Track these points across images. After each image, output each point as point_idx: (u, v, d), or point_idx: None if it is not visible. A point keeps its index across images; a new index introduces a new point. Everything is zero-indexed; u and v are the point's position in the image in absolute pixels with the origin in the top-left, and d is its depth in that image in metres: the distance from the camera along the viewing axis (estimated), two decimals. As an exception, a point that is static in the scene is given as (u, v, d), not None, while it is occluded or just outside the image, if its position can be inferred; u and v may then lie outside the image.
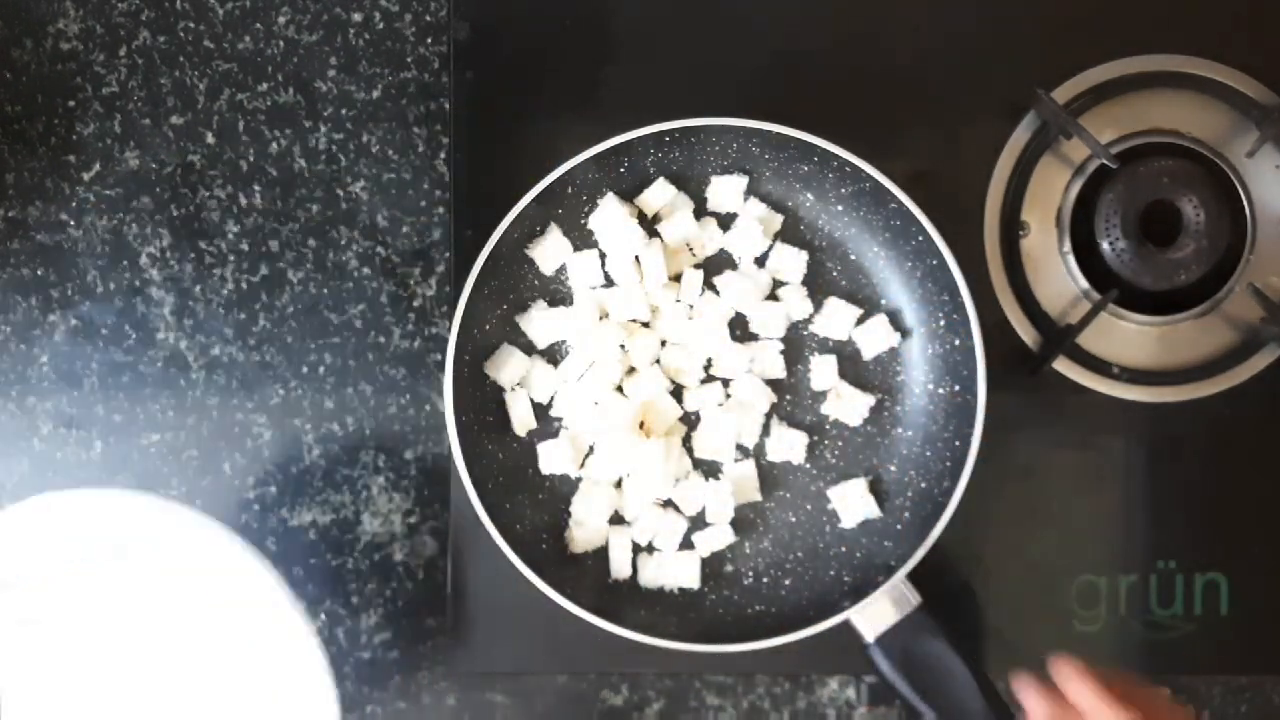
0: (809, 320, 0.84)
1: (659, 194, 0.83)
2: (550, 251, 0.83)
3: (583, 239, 0.84)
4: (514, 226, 0.80)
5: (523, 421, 0.83)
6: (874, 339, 0.83)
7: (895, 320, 0.84)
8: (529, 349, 0.84)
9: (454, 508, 0.85)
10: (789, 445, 0.84)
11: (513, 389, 0.83)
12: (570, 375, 0.83)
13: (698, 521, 0.84)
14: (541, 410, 0.84)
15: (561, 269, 0.84)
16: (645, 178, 0.83)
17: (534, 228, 0.83)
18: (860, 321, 0.84)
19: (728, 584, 0.84)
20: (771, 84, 0.86)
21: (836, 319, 0.84)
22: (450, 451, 0.80)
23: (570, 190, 0.82)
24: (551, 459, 0.83)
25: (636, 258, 0.82)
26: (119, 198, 0.88)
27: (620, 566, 0.83)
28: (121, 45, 0.88)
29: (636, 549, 0.83)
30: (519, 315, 0.84)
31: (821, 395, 0.84)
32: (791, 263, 0.83)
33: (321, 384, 0.87)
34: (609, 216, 0.82)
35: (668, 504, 0.84)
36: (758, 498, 0.84)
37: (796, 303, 0.84)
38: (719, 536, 0.83)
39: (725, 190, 0.83)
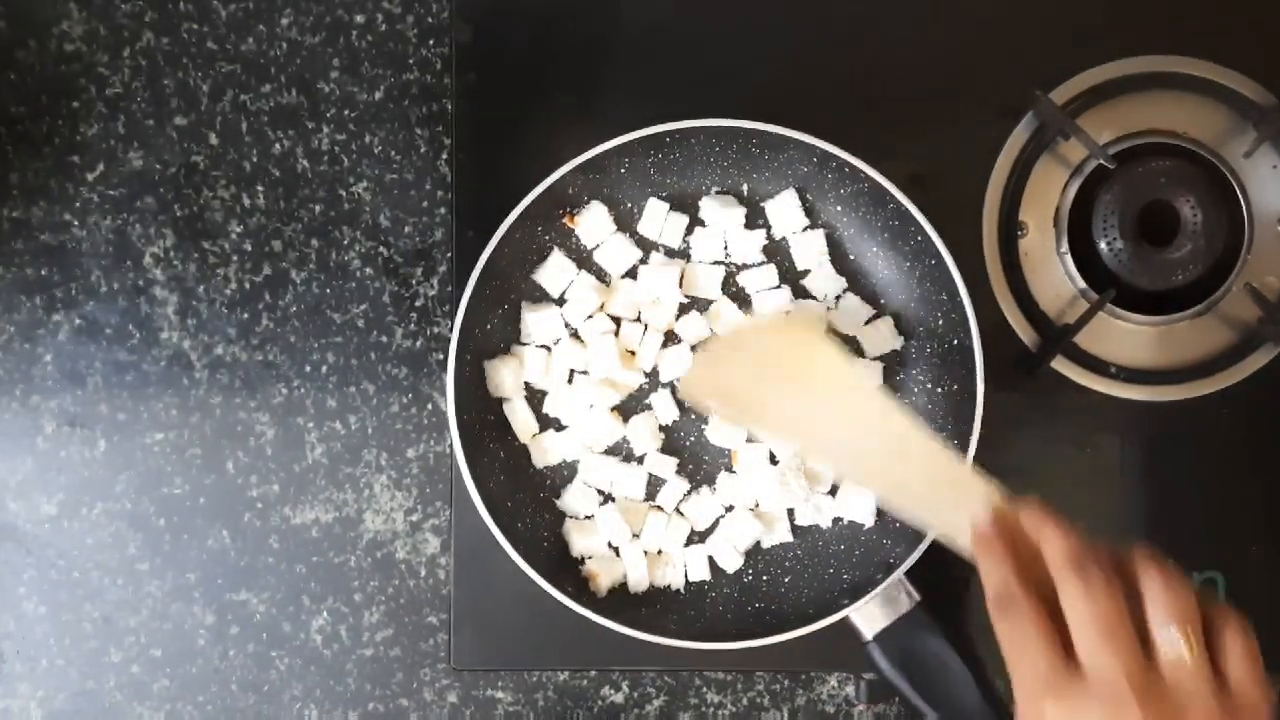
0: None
1: (654, 215, 0.84)
2: (550, 262, 0.84)
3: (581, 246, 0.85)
4: (515, 227, 0.80)
5: (525, 428, 0.84)
6: (879, 339, 0.84)
7: (898, 321, 0.84)
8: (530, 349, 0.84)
9: (456, 505, 0.85)
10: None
11: (511, 399, 0.84)
12: (577, 388, 0.84)
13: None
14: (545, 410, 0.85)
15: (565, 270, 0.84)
16: (646, 178, 0.84)
17: (535, 227, 0.83)
18: (869, 321, 0.84)
19: (728, 581, 0.84)
20: (771, 85, 0.87)
21: (848, 315, 0.84)
22: (452, 450, 0.81)
23: (571, 191, 0.82)
24: (545, 453, 0.84)
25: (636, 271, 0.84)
26: (123, 198, 0.88)
27: (638, 580, 0.83)
28: (125, 46, 0.88)
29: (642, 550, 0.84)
30: (520, 315, 0.84)
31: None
32: (817, 246, 0.84)
33: (324, 383, 0.88)
34: (597, 223, 0.83)
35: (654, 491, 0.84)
36: (789, 537, 0.84)
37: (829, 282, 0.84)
38: (731, 559, 0.84)
39: (714, 207, 0.84)
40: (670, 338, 0.84)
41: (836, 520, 0.84)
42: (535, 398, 0.84)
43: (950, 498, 0.62)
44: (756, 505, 0.84)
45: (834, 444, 0.65)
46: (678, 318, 0.84)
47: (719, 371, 0.69)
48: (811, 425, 0.65)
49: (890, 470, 0.64)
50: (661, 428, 0.84)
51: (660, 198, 0.84)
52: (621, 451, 0.85)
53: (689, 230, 0.84)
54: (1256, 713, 0.55)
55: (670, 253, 0.84)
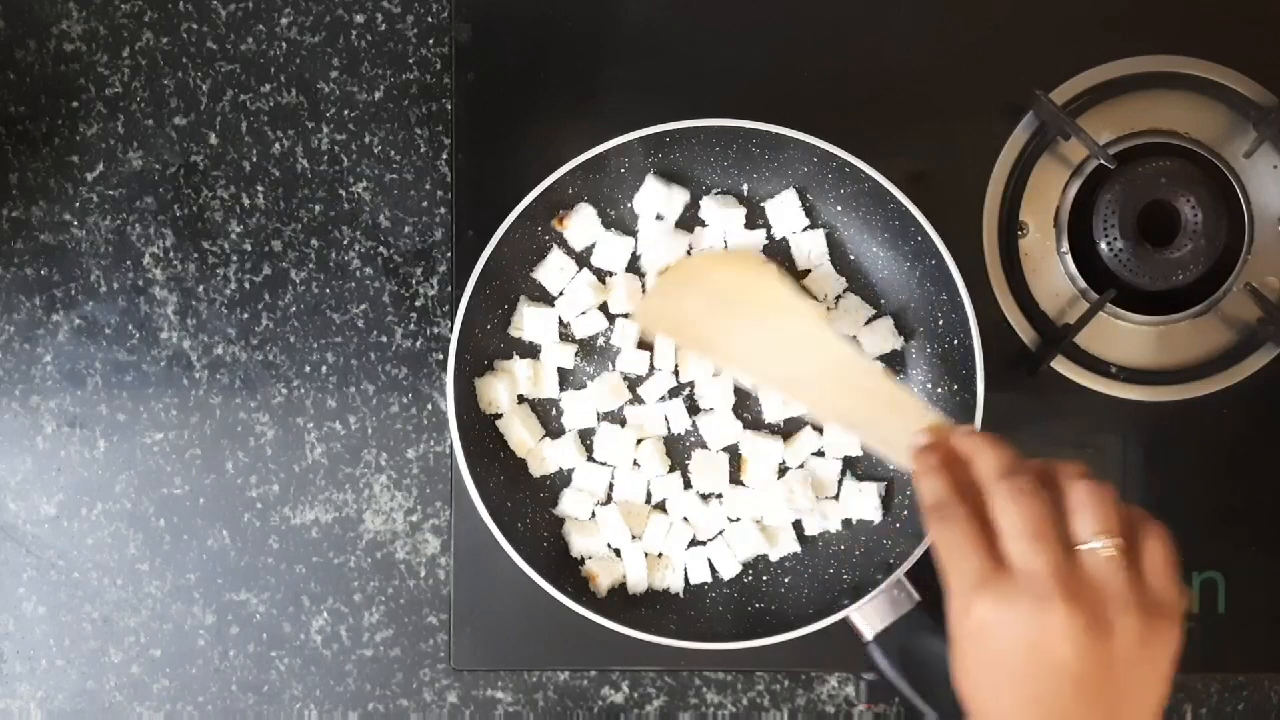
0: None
1: (650, 195, 0.83)
2: (550, 260, 0.84)
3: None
4: (515, 227, 0.80)
5: (521, 443, 0.83)
6: (878, 340, 0.84)
7: (898, 321, 0.84)
8: (528, 350, 0.84)
9: (456, 506, 0.85)
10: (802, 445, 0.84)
11: (505, 414, 0.83)
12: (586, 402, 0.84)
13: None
14: (546, 409, 0.84)
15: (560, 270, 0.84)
16: (645, 178, 0.83)
17: (535, 227, 0.83)
18: (869, 321, 0.84)
19: (728, 582, 0.84)
20: (771, 85, 0.87)
21: (848, 316, 0.84)
22: (452, 450, 0.81)
23: (571, 191, 0.82)
24: (543, 462, 0.84)
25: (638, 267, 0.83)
26: (122, 198, 0.88)
27: (637, 581, 0.83)
28: (124, 46, 0.88)
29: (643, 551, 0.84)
30: (519, 315, 0.84)
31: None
32: (816, 246, 0.84)
33: (324, 383, 0.88)
34: (588, 223, 0.83)
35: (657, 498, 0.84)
36: (796, 548, 0.84)
37: (829, 283, 0.84)
38: (730, 566, 0.84)
39: (713, 208, 0.84)
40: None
41: (845, 522, 0.84)
42: (535, 405, 0.84)
43: (892, 420, 0.65)
44: (761, 519, 0.84)
45: (782, 373, 0.67)
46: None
47: (671, 303, 0.71)
48: (760, 355, 0.68)
49: (835, 395, 0.67)
50: (666, 439, 0.84)
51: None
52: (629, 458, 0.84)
53: (689, 230, 0.84)
54: (1171, 610, 0.59)
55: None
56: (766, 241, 0.84)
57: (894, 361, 0.84)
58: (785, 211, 0.83)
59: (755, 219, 0.84)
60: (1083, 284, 0.85)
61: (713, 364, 0.72)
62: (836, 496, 0.84)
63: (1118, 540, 0.59)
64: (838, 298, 0.84)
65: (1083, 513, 0.59)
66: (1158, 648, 0.59)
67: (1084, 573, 0.58)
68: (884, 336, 0.83)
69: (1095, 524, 0.59)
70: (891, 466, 0.84)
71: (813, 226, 0.84)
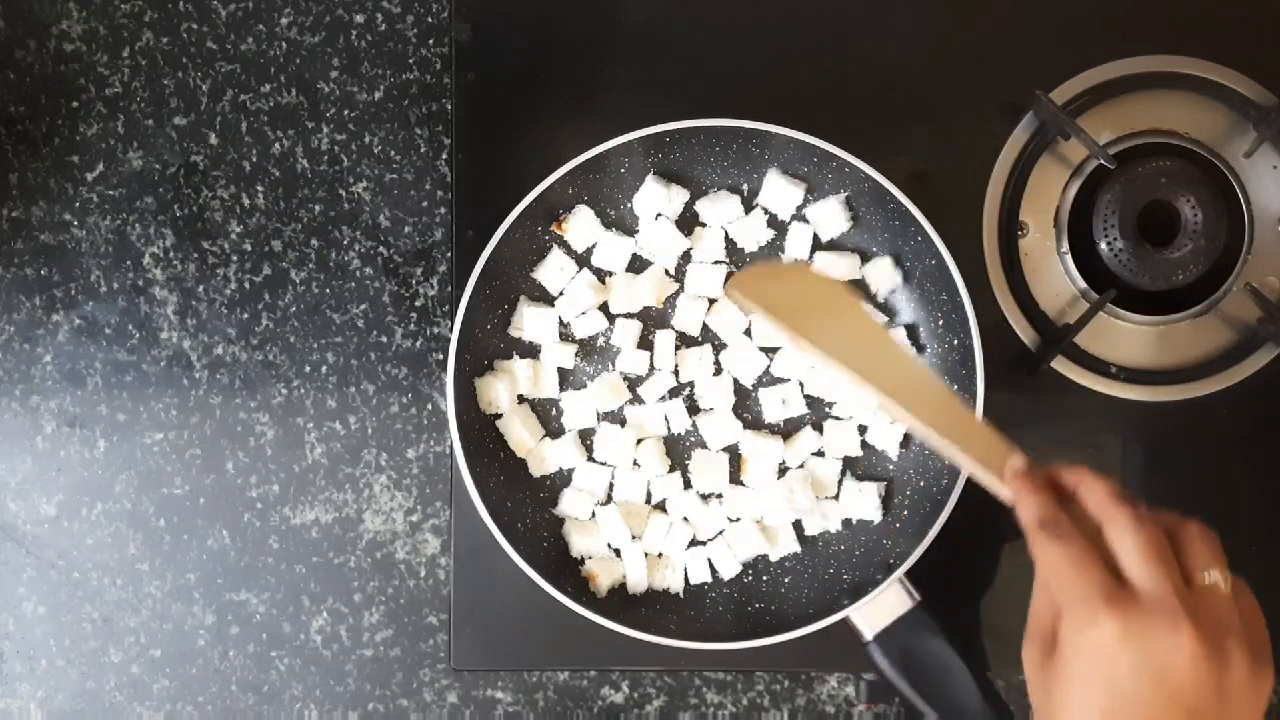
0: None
1: (650, 195, 0.83)
2: (550, 260, 0.83)
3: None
4: (515, 227, 0.80)
5: (521, 443, 0.83)
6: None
7: (891, 315, 0.84)
8: (528, 350, 0.84)
9: (456, 506, 0.85)
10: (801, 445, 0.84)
11: (505, 414, 0.83)
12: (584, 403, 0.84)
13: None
14: (546, 409, 0.84)
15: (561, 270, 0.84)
16: (645, 178, 0.83)
17: (535, 227, 0.83)
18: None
19: (728, 582, 0.84)
20: (771, 84, 0.87)
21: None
22: (452, 450, 0.81)
23: (570, 191, 0.82)
24: (543, 462, 0.84)
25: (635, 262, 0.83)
26: (122, 198, 0.88)
27: (637, 581, 0.83)
28: (125, 46, 0.88)
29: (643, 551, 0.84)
30: (519, 315, 0.84)
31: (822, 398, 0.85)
32: (834, 220, 0.83)
33: (324, 383, 0.88)
34: (585, 223, 0.83)
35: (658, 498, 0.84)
36: (796, 548, 0.84)
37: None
38: (730, 566, 0.84)
39: (715, 205, 0.83)
40: (658, 320, 0.84)
41: (845, 522, 0.84)
42: (535, 405, 0.84)
43: (978, 451, 0.65)
44: (761, 519, 0.84)
45: (871, 378, 0.66)
46: (674, 306, 0.84)
47: (771, 283, 0.70)
48: (847, 355, 0.67)
49: (921, 411, 0.66)
50: (666, 439, 0.84)
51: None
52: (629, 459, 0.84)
53: (689, 231, 0.84)
54: (1269, 655, 0.59)
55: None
56: (767, 217, 0.84)
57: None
58: (779, 193, 0.83)
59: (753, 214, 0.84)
60: (1083, 284, 0.85)
61: (799, 349, 0.71)
62: (836, 496, 0.84)
63: (1229, 577, 0.59)
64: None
65: (1196, 547, 0.60)
66: (1260, 691, 0.58)
67: (1204, 601, 0.58)
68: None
69: (1210, 558, 0.60)
70: (891, 466, 0.84)
71: (801, 219, 0.84)
